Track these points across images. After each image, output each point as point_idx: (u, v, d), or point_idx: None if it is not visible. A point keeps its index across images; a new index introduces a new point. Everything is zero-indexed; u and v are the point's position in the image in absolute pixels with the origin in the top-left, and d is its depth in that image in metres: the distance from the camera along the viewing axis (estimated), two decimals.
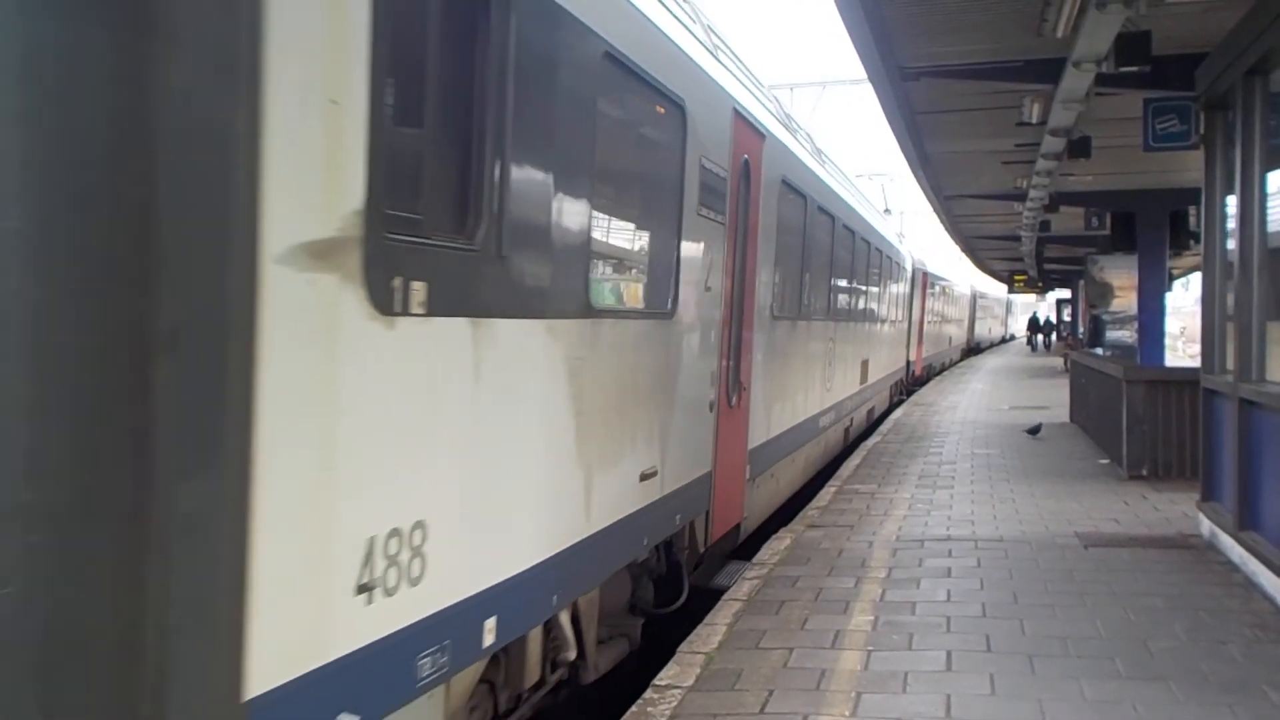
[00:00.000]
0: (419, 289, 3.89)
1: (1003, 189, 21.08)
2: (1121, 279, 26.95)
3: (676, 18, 7.20)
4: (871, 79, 12.76)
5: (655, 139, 6.90)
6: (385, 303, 3.68)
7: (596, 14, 5.42)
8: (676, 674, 6.32)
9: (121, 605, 2.82)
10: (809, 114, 31.35)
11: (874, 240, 18.46)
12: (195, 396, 2.94)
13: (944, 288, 40.37)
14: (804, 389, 12.23)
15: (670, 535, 7.36)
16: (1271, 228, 8.07)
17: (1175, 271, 40.02)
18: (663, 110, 6.81)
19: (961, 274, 55.04)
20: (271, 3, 3.03)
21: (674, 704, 5.83)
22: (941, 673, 6.24)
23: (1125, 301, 26.77)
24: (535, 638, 5.45)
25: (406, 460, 3.94)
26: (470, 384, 4.35)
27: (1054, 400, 23.03)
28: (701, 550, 8.31)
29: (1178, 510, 10.96)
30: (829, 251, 13.40)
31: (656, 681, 6.23)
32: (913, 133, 15.89)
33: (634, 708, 5.87)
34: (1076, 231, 25.98)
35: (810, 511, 11.23)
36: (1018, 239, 30.71)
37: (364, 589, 3.67)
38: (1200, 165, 10.13)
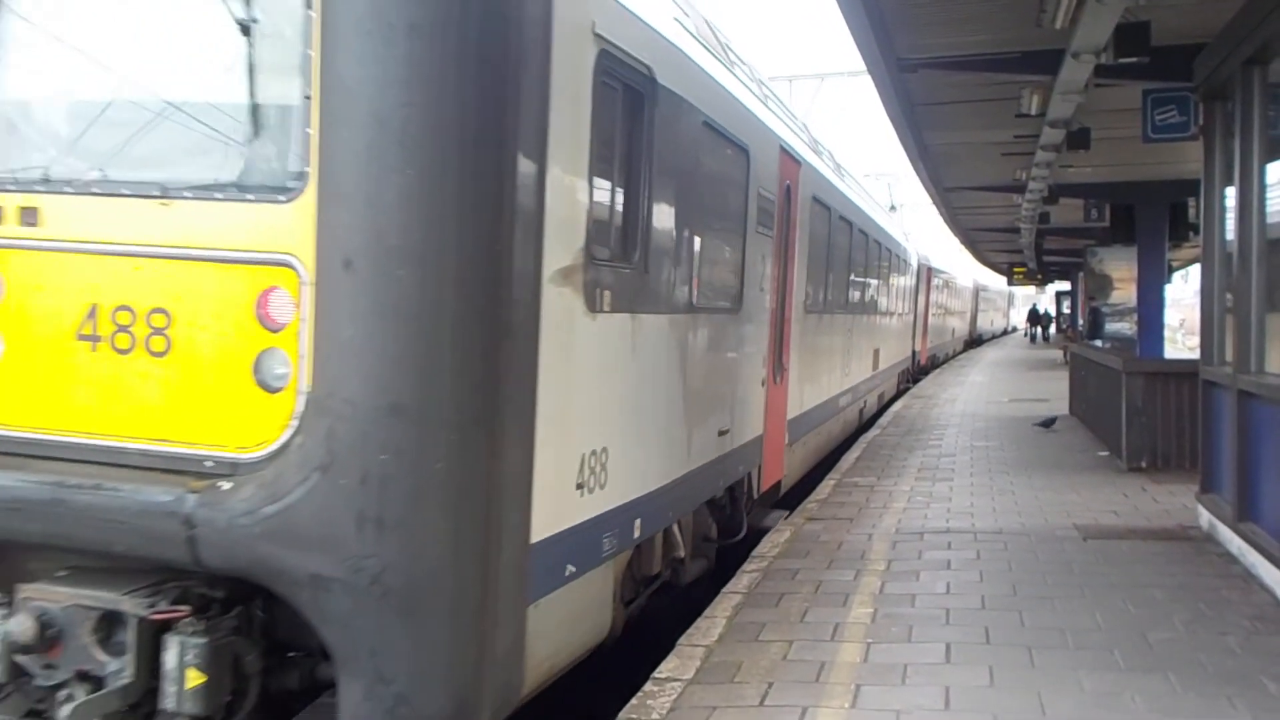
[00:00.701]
0: (607, 295, 5.90)
1: (1002, 181, 21.08)
2: (1121, 271, 26.92)
3: (741, 80, 9.10)
4: (870, 71, 12.76)
5: (730, 177, 8.66)
6: (592, 304, 5.69)
7: (699, 96, 7.43)
8: (676, 666, 6.33)
9: (475, 480, 4.71)
10: (808, 106, 31.32)
11: (884, 241, 20.17)
12: (514, 357, 4.90)
13: (946, 281, 41.80)
14: (828, 373, 14.07)
15: (735, 481, 9.28)
16: (1271, 219, 8.05)
17: (1174, 263, 39.99)
18: (733, 155, 8.64)
19: (964, 268, 56.32)
20: (550, 145, 5.08)
21: (674, 696, 5.84)
22: (941, 665, 6.24)
23: (1125, 293, 26.74)
24: (658, 540, 7.39)
25: (599, 403, 5.94)
26: (629, 356, 6.35)
27: (1054, 392, 23.02)
28: (755, 498, 10.22)
29: (1177, 502, 10.96)
30: (847, 253, 15.16)
31: (656, 674, 6.24)
32: (912, 124, 15.89)
33: (634, 700, 5.88)
34: (1076, 223, 25.96)
35: (809, 504, 11.24)
36: (1017, 231, 30.70)
37: (579, 486, 5.66)
38: (1199, 156, 10.13)
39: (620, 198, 6.19)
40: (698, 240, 7.57)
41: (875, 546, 9.23)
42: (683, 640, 6.83)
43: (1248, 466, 8.44)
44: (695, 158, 7.37)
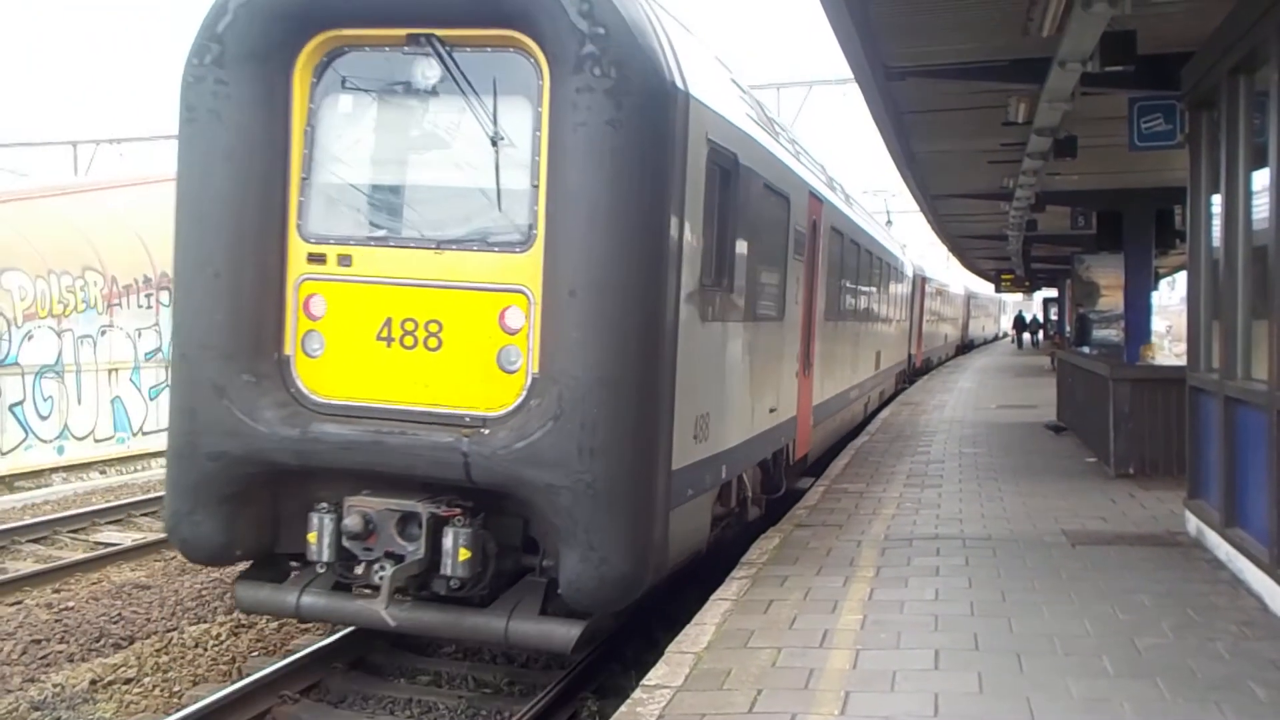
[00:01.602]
0: (711, 309, 8.26)
1: (989, 188, 21.11)
2: (1108, 278, 26.97)
3: (783, 145, 11.60)
4: (857, 79, 12.76)
5: (778, 219, 11.04)
6: (704, 315, 8.09)
7: (762, 166, 9.81)
8: (665, 674, 6.33)
9: (646, 426, 7.11)
10: (795, 114, 31.36)
11: (884, 257, 22.75)
12: (665, 350, 7.22)
13: (939, 289, 44.23)
14: (840, 370, 16.41)
15: (778, 449, 11.53)
16: (1256, 226, 8.09)
17: (1161, 270, 40.06)
18: (780, 203, 10.99)
19: (956, 276, 58.34)
20: (685, 211, 7.36)
21: (663, 704, 5.83)
22: (930, 671, 6.25)
23: (1111, 300, 26.79)
24: (733, 484, 9.59)
25: (706, 382, 8.25)
26: (722, 351, 8.82)
27: (1041, 399, 23.08)
28: (791, 464, 12.43)
29: (1165, 508, 10.99)
30: (855, 270, 17.79)
31: (645, 682, 6.24)
32: (899, 133, 15.91)
33: (623, 708, 5.87)
34: (1063, 231, 26.02)
35: (799, 511, 11.25)
36: (1004, 238, 30.74)
37: (695, 437, 7.92)
38: (1186, 164, 10.16)
39: (717, 242, 8.43)
40: (759, 267, 9.98)
41: (864, 553, 9.24)
42: (671, 647, 6.83)
43: (1234, 472, 8.47)
44: (759, 209, 9.79)
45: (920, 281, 34.28)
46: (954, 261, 54.31)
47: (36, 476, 18.23)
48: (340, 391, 7.37)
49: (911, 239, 47.66)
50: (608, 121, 6.84)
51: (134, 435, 20.27)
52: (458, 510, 7.12)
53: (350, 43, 7.46)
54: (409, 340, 7.25)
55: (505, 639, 7.28)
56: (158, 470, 19.40)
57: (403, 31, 7.29)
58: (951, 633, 6.95)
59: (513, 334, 7.12)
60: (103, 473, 19.27)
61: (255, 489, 7.46)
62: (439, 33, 7.23)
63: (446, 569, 7.05)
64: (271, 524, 7.60)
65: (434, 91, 7.43)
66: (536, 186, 7.10)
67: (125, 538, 13.57)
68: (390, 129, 7.62)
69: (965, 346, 63.11)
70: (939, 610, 7.47)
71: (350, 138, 7.61)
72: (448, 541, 7.03)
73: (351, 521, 7.06)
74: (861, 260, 18.37)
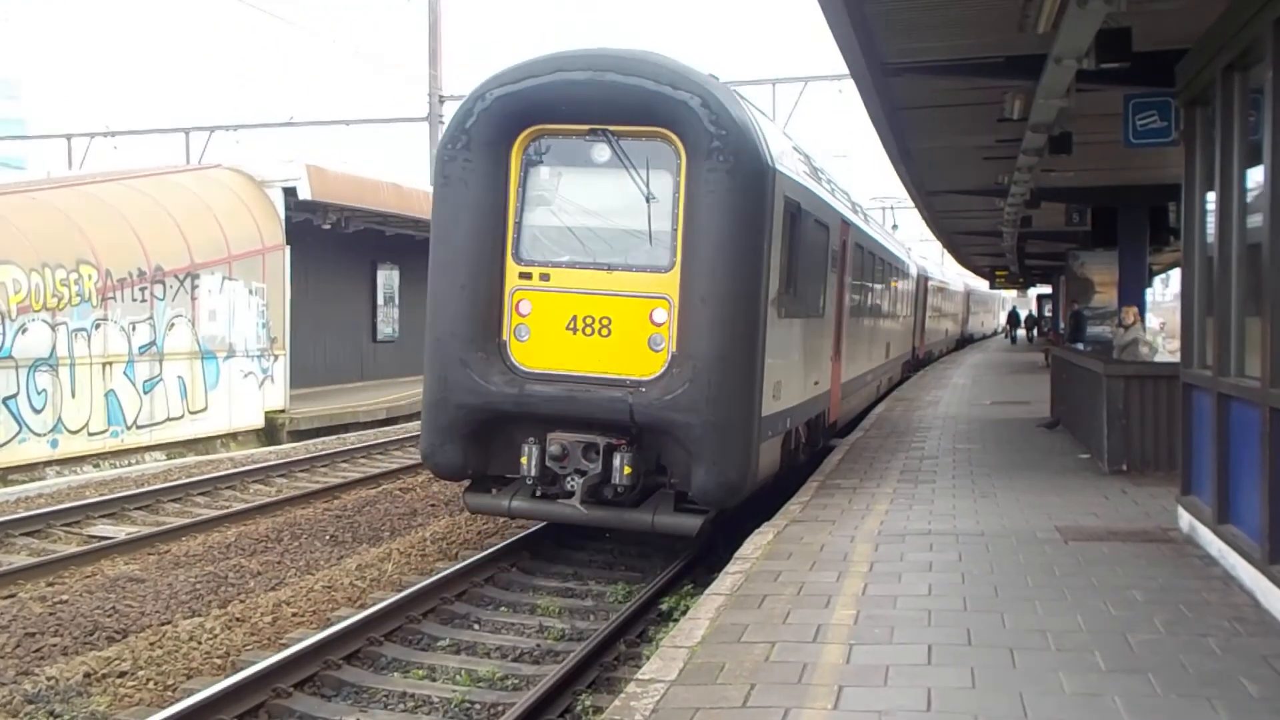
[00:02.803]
0: (783, 308, 11.58)
1: (984, 185, 21.15)
2: (1102, 275, 27.01)
3: (824, 185, 15.21)
4: (853, 75, 12.78)
5: (821, 243, 14.25)
6: (779, 313, 11.38)
7: (813, 207, 13.19)
8: (659, 668, 6.34)
9: (748, 386, 10.63)
10: (790, 110, 31.35)
11: (893, 261, 26.14)
12: (759, 337, 10.70)
13: (940, 287, 47.47)
14: (859, 357, 19.72)
15: (818, 413, 14.87)
16: (1250, 223, 8.10)
17: (1155, 267, 40.14)
18: (822, 230, 14.20)
19: (957, 274, 60.80)
20: (771, 242, 10.81)
21: (657, 698, 5.85)
22: (923, 666, 6.27)
23: (1106, 297, 26.80)
24: (792, 434, 12.92)
25: (780, 359, 11.51)
26: (789, 338, 12.11)
27: (1035, 396, 23.10)
28: (826, 427, 15.85)
29: (1157, 504, 11.02)
30: (871, 275, 21.15)
31: (639, 676, 6.25)
32: (895, 129, 15.94)
33: (617, 701, 5.88)
34: (1057, 227, 26.06)
35: (792, 506, 11.27)
36: (999, 235, 30.78)
37: (774, 396, 11.29)
38: (1180, 161, 10.18)
39: (787, 263, 11.77)
40: (810, 278, 13.43)
41: (858, 548, 9.26)
42: (665, 641, 6.84)
43: (1227, 469, 8.49)
44: (812, 238, 13.29)
45: (923, 280, 37.20)
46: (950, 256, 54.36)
47: (30, 470, 18.19)
48: (541, 364, 10.82)
49: (909, 233, 48.99)
50: (727, 190, 10.29)
51: (128, 429, 20.21)
52: (622, 440, 10.53)
53: (549, 133, 10.91)
54: (588, 330, 10.74)
55: (652, 527, 10.73)
56: (151, 464, 19.39)
57: (585, 127, 10.79)
58: (945, 628, 6.97)
59: (658, 326, 10.58)
60: (96, 466, 19.23)
61: (482, 429, 10.98)
62: (610, 128, 10.71)
63: (615, 479, 10.47)
64: (488, 454, 11.15)
65: (605, 165, 10.82)
66: (675, 230, 10.55)
67: (119, 531, 13.55)
68: (575, 189, 11.02)
69: (965, 340, 64.96)
70: (932, 605, 7.50)
71: (548, 195, 11.06)
72: (616, 461, 10.45)
73: (554, 448, 10.49)
74: (876, 268, 22.09)
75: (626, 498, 10.69)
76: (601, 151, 10.80)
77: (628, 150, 10.70)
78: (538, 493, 10.84)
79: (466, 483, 11.50)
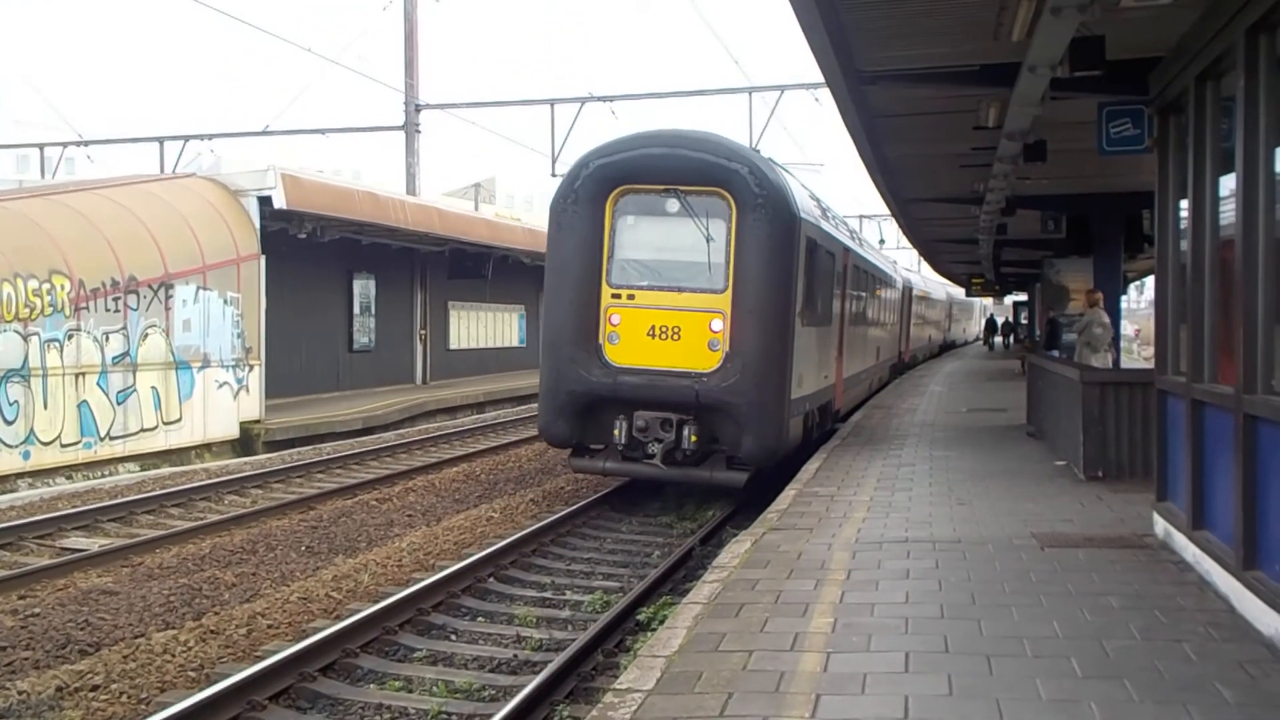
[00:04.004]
0: (804, 318, 15.61)
1: (960, 192, 21.21)
2: (1077, 282, 27.05)
3: (831, 220, 19.32)
4: (829, 83, 12.80)
5: (829, 268, 17.98)
6: (803, 322, 15.48)
7: (823, 241, 17.03)
8: (637, 677, 6.31)
9: (782, 377, 14.65)
10: (767, 119, 31.43)
11: (882, 276, 29.76)
12: (789, 339, 14.73)
13: (924, 296, 51.19)
14: (856, 359, 23.29)
15: (827, 401, 18.48)
16: (1223, 231, 8.15)
17: (1130, 274, 40.37)
18: (830, 257, 17.82)
19: (940, 283, 63.10)
20: (798, 270, 15.02)
21: (634, 707, 5.82)
22: (900, 674, 6.26)
23: (1081, 304, 26.92)
24: (810, 415, 16.61)
25: (802, 356, 15.44)
26: (807, 341, 15.94)
27: (1011, 403, 23.20)
28: (831, 413, 19.38)
29: (1133, 511, 11.05)
30: (864, 288, 24.91)
31: (616, 686, 6.22)
32: (871, 137, 15.97)
33: (595, 712, 5.85)
34: (1033, 235, 26.11)
35: (770, 514, 11.25)
36: (975, 242, 30.91)
37: (798, 384, 15.22)
38: (1154, 169, 10.23)
39: (808, 284, 15.38)
40: (822, 295, 17.18)
41: (835, 556, 9.26)
42: (643, 651, 6.81)
43: (1202, 475, 8.53)
44: (823, 265, 17.18)
45: (908, 291, 41.60)
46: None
47: (2, 482, 18.01)
48: (628, 360, 14.40)
49: (890, 238, 50.06)
50: (767, 234, 14.21)
51: (101, 440, 20.03)
52: (689, 417, 14.14)
53: (635, 191, 14.69)
54: (663, 336, 14.36)
55: (710, 479, 14.49)
56: (125, 475, 19.23)
57: (662, 186, 14.57)
58: (922, 635, 6.97)
59: (715, 333, 14.22)
60: (69, 478, 19.05)
61: (583, 410, 14.59)
62: (680, 188, 14.47)
63: (685, 445, 14.19)
64: (585, 428, 14.75)
65: (676, 215, 14.54)
66: (728, 262, 14.27)
67: (92, 543, 13.43)
68: (653, 232, 14.73)
69: (947, 345, 67.63)
70: (909, 613, 7.49)
71: (633, 236, 14.75)
72: (685, 432, 14.14)
73: (639, 423, 14.22)
74: (869, 283, 26.01)
75: (691, 459, 14.36)
76: (673, 204, 14.53)
77: (693, 204, 14.43)
78: (622, 457, 14.58)
79: (567, 451, 15.48)
